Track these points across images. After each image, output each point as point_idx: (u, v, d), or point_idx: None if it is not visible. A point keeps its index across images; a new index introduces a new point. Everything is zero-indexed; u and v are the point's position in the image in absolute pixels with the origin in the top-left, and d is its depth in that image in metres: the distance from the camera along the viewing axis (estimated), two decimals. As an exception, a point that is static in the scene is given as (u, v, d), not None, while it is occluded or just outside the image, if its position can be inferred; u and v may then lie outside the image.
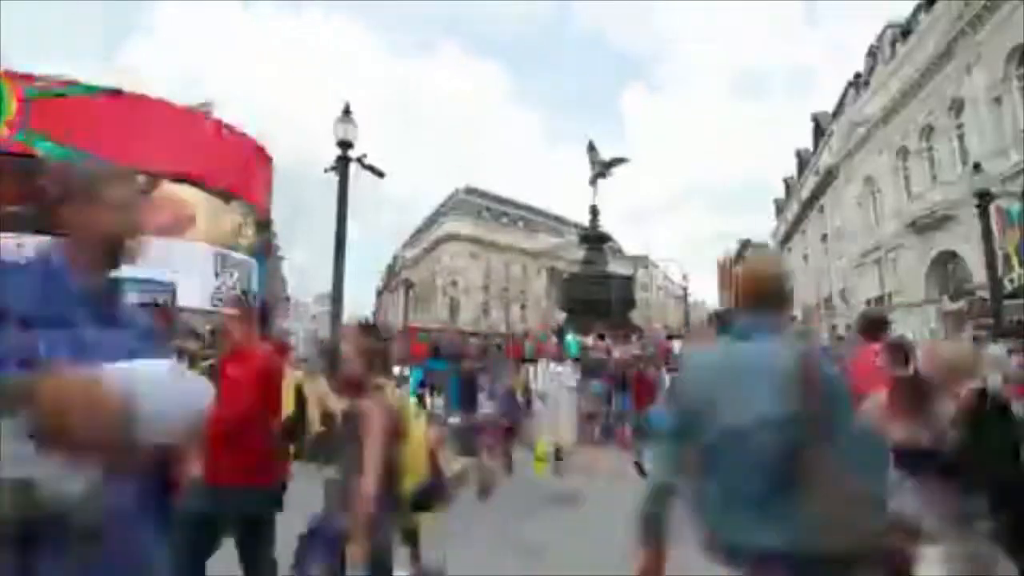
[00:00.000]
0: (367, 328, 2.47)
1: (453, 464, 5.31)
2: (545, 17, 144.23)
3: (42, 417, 0.87)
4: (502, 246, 53.62)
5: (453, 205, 54.44)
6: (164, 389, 1.02)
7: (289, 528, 2.40)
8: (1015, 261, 14.92)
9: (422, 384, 10.16)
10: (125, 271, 1.23)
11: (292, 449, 3.66)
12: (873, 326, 3.91)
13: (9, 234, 15.10)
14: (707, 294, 66.63)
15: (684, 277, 42.51)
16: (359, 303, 50.44)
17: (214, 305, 15.41)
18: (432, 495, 2.72)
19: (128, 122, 15.65)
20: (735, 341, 1.58)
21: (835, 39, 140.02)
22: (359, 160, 8.93)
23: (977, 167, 12.65)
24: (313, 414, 4.49)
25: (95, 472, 0.97)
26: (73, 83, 16.15)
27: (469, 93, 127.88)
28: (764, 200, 62.18)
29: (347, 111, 8.92)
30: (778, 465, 1.36)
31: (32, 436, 0.88)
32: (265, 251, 20.99)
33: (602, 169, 19.67)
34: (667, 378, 8.87)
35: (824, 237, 30.54)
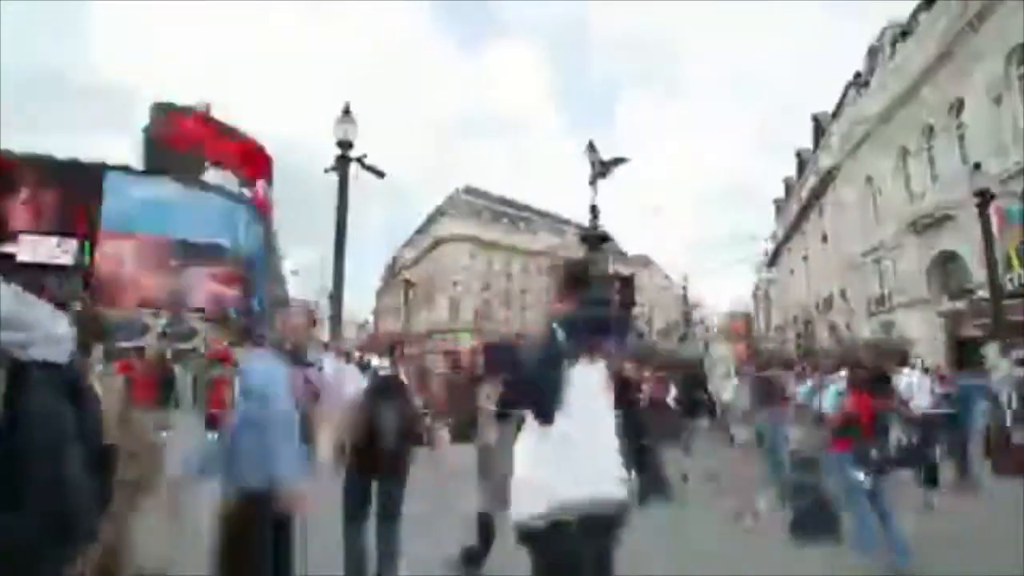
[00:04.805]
0: None
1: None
2: (549, 17, 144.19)
3: None
4: (502, 246, 53.63)
5: (453, 205, 54.44)
6: None
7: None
8: (1015, 261, 14.91)
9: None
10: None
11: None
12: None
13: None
14: (706, 294, 66.56)
15: (684, 277, 42.68)
16: (360, 303, 50.35)
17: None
18: None
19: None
20: None
21: (835, 39, 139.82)
22: (359, 160, 8.93)
23: (977, 167, 12.65)
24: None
25: None
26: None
27: (470, 91, 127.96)
28: (764, 200, 62.17)
29: (347, 111, 8.92)
30: None
31: None
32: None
33: (602, 169, 19.65)
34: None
35: (824, 237, 30.49)
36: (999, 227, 13.73)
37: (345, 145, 8.79)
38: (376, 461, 3.26)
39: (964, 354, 14.24)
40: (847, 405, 4.18)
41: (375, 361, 3.92)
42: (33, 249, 20.87)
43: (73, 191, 23.07)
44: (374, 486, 3.35)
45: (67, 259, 22.15)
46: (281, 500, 2.35)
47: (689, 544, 4.54)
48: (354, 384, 3.84)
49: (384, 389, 3.50)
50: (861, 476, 3.92)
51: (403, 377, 3.69)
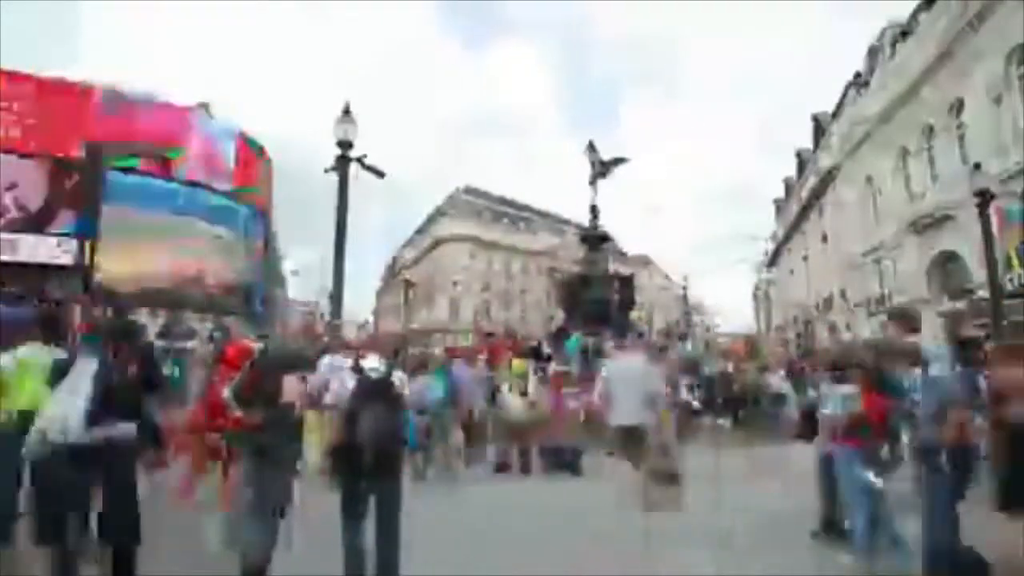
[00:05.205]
0: None
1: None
2: (550, 18, 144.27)
3: None
4: (502, 246, 53.63)
5: (453, 205, 54.43)
6: None
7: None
8: (1015, 261, 14.90)
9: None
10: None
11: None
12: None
13: (9, 234, 15.14)
14: (705, 294, 66.58)
15: (684, 277, 42.75)
16: (360, 303, 50.33)
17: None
18: None
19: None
20: None
21: (835, 39, 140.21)
22: (359, 160, 8.92)
23: (977, 167, 12.65)
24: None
25: None
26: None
27: (470, 90, 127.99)
28: (764, 200, 62.18)
29: (347, 111, 8.92)
30: None
31: None
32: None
33: (602, 169, 19.65)
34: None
35: (824, 237, 30.51)
36: (999, 227, 13.72)
37: (345, 145, 8.78)
38: (371, 462, 3.26)
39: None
40: (858, 405, 4.13)
41: (368, 363, 3.80)
42: (33, 249, 20.82)
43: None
44: (372, 487, 3.34)
45: (67, 259, 22.08)
46: None
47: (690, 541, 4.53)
48: (338, 385, 3.81)
49: (371, 392, 3.49)
50: (871, 476, 3.90)
51: (394, 379, 3.66)
